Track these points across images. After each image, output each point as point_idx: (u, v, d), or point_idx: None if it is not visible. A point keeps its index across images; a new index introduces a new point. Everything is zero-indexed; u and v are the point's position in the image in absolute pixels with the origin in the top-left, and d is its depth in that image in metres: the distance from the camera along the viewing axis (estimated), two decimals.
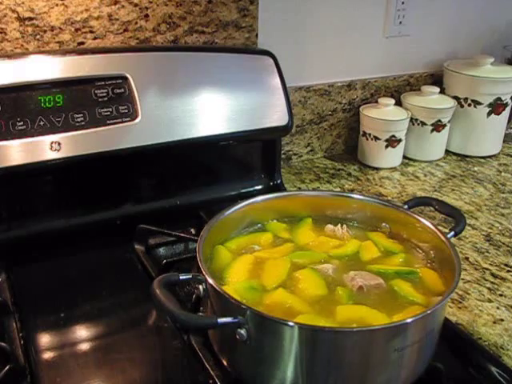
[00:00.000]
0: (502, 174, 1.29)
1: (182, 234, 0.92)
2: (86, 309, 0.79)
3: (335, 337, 0.59)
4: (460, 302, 0.84)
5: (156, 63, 0.94)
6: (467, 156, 1.37)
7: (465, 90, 1.32)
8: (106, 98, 0.89)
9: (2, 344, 0.67)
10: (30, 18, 0.92)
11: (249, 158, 1.10)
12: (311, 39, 1.23)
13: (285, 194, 0.90)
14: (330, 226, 0.83)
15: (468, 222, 1.04)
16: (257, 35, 1.12)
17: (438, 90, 1.32)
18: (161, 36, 1.03)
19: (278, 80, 1.04)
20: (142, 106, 0.91)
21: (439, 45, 1.42)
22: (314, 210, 0.85)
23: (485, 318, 0.80)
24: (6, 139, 0.83)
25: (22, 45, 0.93)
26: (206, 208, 0.97)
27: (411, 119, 1.29)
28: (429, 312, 0.60)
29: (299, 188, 1.18)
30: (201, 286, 0.65)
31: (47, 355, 0.70)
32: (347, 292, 0.69)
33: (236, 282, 0.70)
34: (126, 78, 0.91)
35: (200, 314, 0.72)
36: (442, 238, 0.73)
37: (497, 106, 1.31)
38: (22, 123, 0.84)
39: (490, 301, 0.84)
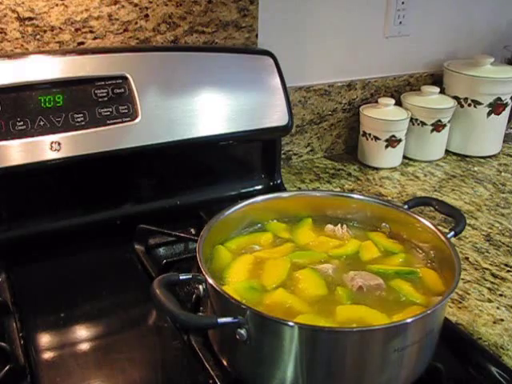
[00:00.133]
0: (502, 173, 1.29)
1: (182, 234, 0.92)
2: (86, 309, 0.79)
3: (335, 337, 0.59)
4: (460, 302, 0.84)
5: (156, 63, 0.94)
6: (467, 156, 1.37)
7: (465, 90, 1.32)
8: (106, 98, 0.89)
9: (2, 344, 0.67)
10: (30, 18, 0.92)
11: (249, 158, 1.10)
12: (311, 39, 1.23)
13: (285, 194, 0.90)
14: (329, 226, 0.83)
15: (468, 222, 1.04)
16: (257, 35, 1.12)
17: (437, 90, 1.32)
18: (161, 36, 1.03)
19: (277, 80, 1.04)
20: (142, 106, 0.91)
21: (439, 45, 1.42)
22: (314, 210, 0.85)
23: (485, 318, 0.80)
24: (6, 139, 0.83)
25: (22, 45, 0.93)
26: (206, 208, 0.97)
27: (411, 119, 1.29)
28: (429, 312, 0.60)
29: (299, 188, 1.18)
30: (201, 286, 0.65)
31: (47, 355, 0.70)
32: (347, 292, 0.69)
33: (236, 281, 0.70)
34: (126, 78, 0.91)
35: (200, 314, 0.72)
36: (442, 238, 0.73)
37: (497, 106, 1.31)
38: (21, 123, 0.84)
39: (489, 301, 0.84)
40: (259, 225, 0.83)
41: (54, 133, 0.85)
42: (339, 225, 0.82)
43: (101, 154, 0.89)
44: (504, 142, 1.41)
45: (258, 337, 0.60)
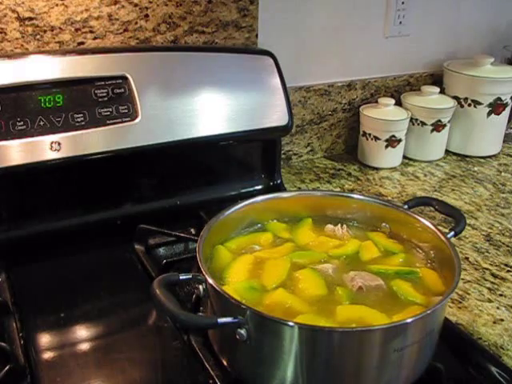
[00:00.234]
0: (502, 173, 1.29)
1: (182, 234, 0.92)
2: (85, 309, 0.79)
3: (335, 337, 0.59)
4: (460, 302, 0.84)
5: (156, 63, 0.94)
6: (467, 156, 1.37)
7: (465, 90, 1.32)
8: (106, 98, 0.89)
9: (2, 344, 0.67)
10: (30, 18, 0.92)
11: (249, 158, 1.10)
12: (311, 39, 1.23)
13: (285, 194, 0.90)
14: (329, 226, 0.83)
15: (468, 222, 1.04)
16: (257, 35, 1.12)
17: (438, 90, 1.32)
18: (161, 36, 1.03)
19: (277, 80, 1.04)
20: (142, 106, 0.91)
21: (439, 45, 1.42)
22: (314, 210, 0.85)
23: (485, 318, 0.80)
24: (6, 139, 0.83)
25: (22, 45, 0.93)
26: (206, 208, 0.97)
27: (411, 119, 1.29)
28: (429, 312, 0.60)
29: (299, 188, 1.18)
30: (201, 286, 0.65)
31: (47, 355, 0.70)
32: (347, 292, 0.69)
33: (236, 282, 0.70)
34: (126, 78, 0.91)
35: (200, 314, 0.72)
36: (442, 238, 0.73)
37: (497, 106, 1.31)
38: (22, 123, 0.84)
39: (489, 301, 0.84)
40: (259, 225, 0.83)
41: (53, 133, 0.85)
42: (339, 225, 0.82)
43: (101, 154, 0.89)
44: (504, 141, 1.41)
45: (258, 337, 0.60)
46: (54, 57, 0.87)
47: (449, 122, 1.31)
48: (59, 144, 0.85)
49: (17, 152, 0.83)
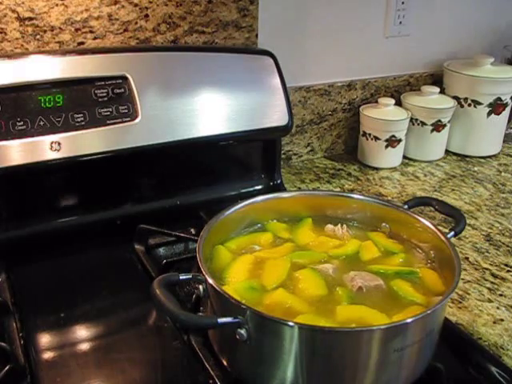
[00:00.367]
0: (502, 174, 1.29)
1: (182, 234, 0.92)
2: (86, 309, 0.79)
3: (335, 337, 0.59)
4: (460, 302, 0.84)
5: (156, 63, 0.94)
6: (467, 156, 1.37)
7: (465, 90, 1.32)
8: (105, 98, 0.89)
9: (2, 344, 0.67)
10: (30, 18, 0.92)
11: (249, 158, 1.10)
12: (311, 39, 1.23)
13: (285, 194, 0.90)
14: (329, 226, 0.83)
15: (468, 222, 1.04)
16: (257, 35, 1.12)
17: (437, 90, 1.32)
18: (161, 36, 1.03)
19: (278, 80, 1.04)
20: (142, 105, 0.91)
21: (439, 45, 1.42)
22: (314, 210, 0.85)
23: (485, 317, 0.80)
24: (6, 139, 0.83)
25: (22, 45, 0.93)
26: (206, 208, 0.97)
27: (411, 119, 1.29)
28: (429, 312, 0.60)
29: (299, 188, 1.18)
30: (201, 286, 0.65)
31: (47, 355, 0.70)
32: (347, 292, 0.69)
33: (236, 281, 0.70)
34: (126, 78, 0.91)
35: (200, 314, 0.72)
36: (442, 238, 0.73)
37: (497, 106, 1.31)
38: (21, 123, 0.84)
39: (490, 301, 0.84)
40: (259, 225, 0.83)
41: (54, 133, 0.85)
42: (339, 225, 0.82)
43: (101, 154, 0.89)
44: (504, 142, 1.41)
45: (258, 337, 0.60)
46: (54, 57, 0.87)
47: (449, 122, 1.31)
48: (59, 144, 0.85)
49: (17, 152, 0.83)
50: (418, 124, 1.31)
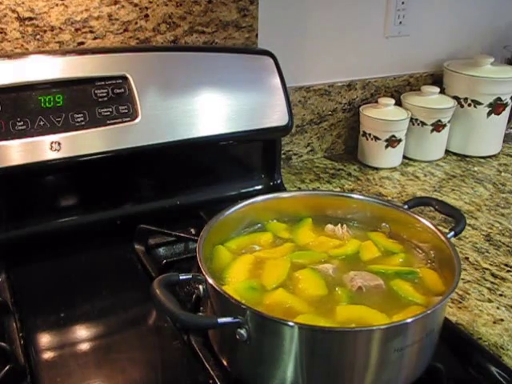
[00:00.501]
0: (502, 174, 1.29)
1: (182, 234, 0.92)
2: (85, 309, 0.79)
3: (335, 337, 0.59)
4: (460, 302, 0.84)
5: (156, 63, 0.94)
6: (467, 156, 1.37)
7: (465, 90, 1.32)
8: (105, 98, 0.89)
9: (2, 344, 0.67)
10: (30, 18, 0.92)
11: (249, 158, 1.10)
12: (311, 39, 1.23)
13: (285, 194, 0.90)
14: (329, 226, 0.83)
15: (468, 222, 1.04)
16: (257, 35, 1.12)
17: (438, 89, 1.32)
18: (161, 36, 1.03)
19: (278, 80, 1.04)
20: (142, 105, 0.91)
21: (439, 45, 1.42)
22: (314, 210, 0.85)
23: (485, 317, 0.80)
24: (6, 139, 0.82)
25: (22, 45, 0.93)
26: (206, 208, 0.97)
27: (411, 119, 1.29)
28: (429, 312, 0.60)
29: (299, 188, 1.18)
30: (201, 286, 0.65)
31: (47, 355, 0.70)
32: (346, 292, 0.69)
33: (236, 281, 0.70)
34: (126, 78, 0.91)
35: (200, 314, 0.72)
36: (442, 238, 0.73)
37: (497, 106, 1.31)
38: (21, 123, 0.84)
39: (490, 301, 0.84)
40: (259, 225, 0.83)
41: (54, 133, 0.85)
42: (339, 225, 0.82)
43: (101, 154, 0.89)
44: (504, 142, 1.41)
45: (258, 337, 0.60)
46: (54, 57, 0.87)
47: (449, 122, 1.31)
48: (59, 144, 0.85)
49: (17, 152, 0.83)
50: (418, 124, 1.31)
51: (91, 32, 0.97)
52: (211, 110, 0.97)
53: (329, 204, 0.85)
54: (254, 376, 0.64)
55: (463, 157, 1.37)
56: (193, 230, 0.96)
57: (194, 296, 0.75)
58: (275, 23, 1.17)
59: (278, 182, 1.13)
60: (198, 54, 0.98)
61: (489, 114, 1.32)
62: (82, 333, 0.75)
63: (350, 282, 0.71)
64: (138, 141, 0.91)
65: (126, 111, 0.90)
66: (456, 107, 1.31)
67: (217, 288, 0.62)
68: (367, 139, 1.29)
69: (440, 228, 0.75)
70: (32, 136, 0.84)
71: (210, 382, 0.66)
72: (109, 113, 0.89)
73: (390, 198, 1.15)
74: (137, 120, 0.91)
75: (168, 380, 0.69)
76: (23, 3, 0.90)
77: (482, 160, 1.36)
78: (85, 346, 0.73)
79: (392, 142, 1.26)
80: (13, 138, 0.83)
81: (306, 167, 1.29)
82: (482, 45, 1.49)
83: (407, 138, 1.30)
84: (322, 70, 1.28)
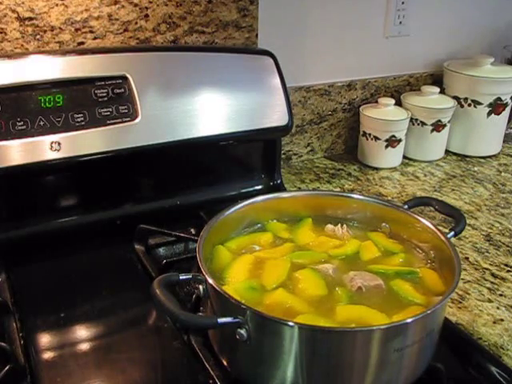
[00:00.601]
0: (502, 174, 1.29)
1: (182, 234, 0.92)
2: (85, 309, 0.79)
3: (335, 337, 0.59)
4: (460, 302, 0.84)
5: (156, 63, 0.94)
6: (467, 156, 1.37)
7: (465, 90, 1.32)
8: (105, 98, 0.89)
9: (2, 344, 0.67)
10: (30, 18, 0.92)
11: (249, 158, 1.10)
12: (311, 39, 1.23)
13: (285, 194, 0.90)
14: (329, 226, 0.83)
15: (468, 222, 1.04)
16: (257, 35, 1.12)
17: (438, 89, 1.32)
18: (161, 36, 1.03)
19: (278, 80, 1.04)
20: (142, 106, 0.91)
21: (439, 45, 1.42)
22: (314, 210, 0.85)
23: (485, 318, 0.80)
24: (6, 139, 0.82)
25: (22, 45, 0.93)
26: (206, 208, 0.97)
27: (411, 119, 1.29)
28: (429, 312, 0.60)
29: (299, 188, 1.18)
30: (201, 286, 0.65)
31: (47, 355, 0.70)
32: (346, 292, 0.69)
33: (236, 281, 0.70)
34: (126, 78, 0.91)
35: (200, 314, 0.72)
36: (442, 238, 0.73)
37: (497, 106, 1.31)
38: (22, 123, 0.84)
39: (490, 301, 0.84)
40: (259, 225, 0.83)
41: (54, 133, 0.85)
42: (339, 225, 0.82)
43: (101, 154, 0.89)
44: (504, 142, 1.41)
45: (258, 337, 0.60)
46: (54, 57, 0.87)
47: (449, 122, 1.31)
48: (59, 144, 0.85)
49: (17, 152, 0.83)
50: (418, 124, 1.31)
51: (91, 32, 0.97)
52: (211, 110, 0.97)
53: (329, 204, 0.85)
54: (254, 376, 0.64)
55: (463, 157, 1.37)
56: (193, 230, 0.96)
57: (194, 296, 0.75)
58: (275, 23, 1.17)
59: (278, 182, 1.13)
60: (198, 54, 0.98)
61: (489, 113, 1.32)
62: (82, 333, 0.75)
63: (349, 282, 0.71)
64: (138, 141, 0.91)
65: (126, 111, 0.90)
66: (456, 107, 1.31)
67: (217, 288, 0.62)
68: (367, 139, 1.29)
69: (440, 228, 0.75)
70: (32, 136, 0.84)
71: (210, 382, 0.66)
72: (109, 113, 0.89)
73: (390, 198, 1.15)
74: (137, 120, 0.91)
75: (168, 380, 0.69)
76: (23, 3, 0.90)
77: (482, 160, 1.36)
78: (85, 346, 0.73)
79: (392, 142, 1.26)
80: (13, 138, 0.83)
81: (306, 167, 1.29)
82: (481, 45, 1.49)
83: (407, 138, 1.30)
84: (322, 70, 1.28)
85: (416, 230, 0.78)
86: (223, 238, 0.78)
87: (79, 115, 0.87)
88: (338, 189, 1.19)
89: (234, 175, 1.08)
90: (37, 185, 0.91)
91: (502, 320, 0.80)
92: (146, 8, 1.00)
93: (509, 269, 0.92)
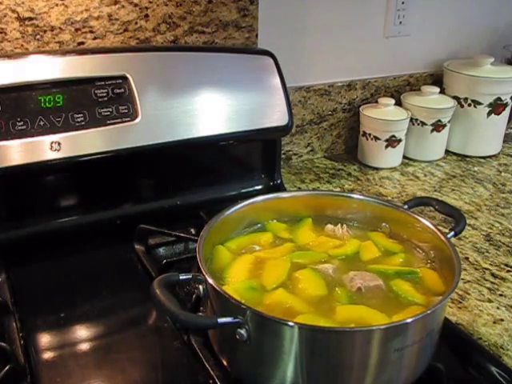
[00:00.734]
0: (502, 174, 1.29)
1: (182, 234, 0.92)
2: (85, 309, 0.79)
3: (335, 337, 0.59)
4: (460, 302, 0.84)
5: (156, 63, 0.94)
6: (467, 156, 1.37)
7: (465, 90, 1.32)
8: (105, 98, 0.89)
9: (2, 344, 0.67)
10: (30, 18, 0.92)
11: (249, 158, 1.10)
12: (311, 39, 1.23)
13: (285, 194, 0.90)
14: (329, 226, 0.83)
15: (468, 222, 1.04)
16: (257, 35, 1.12)
17: (438, 90, 1.32)
18: (161, 36, 1.03)
19: (278, 80, 1.04)
20: (142, 106, 0.91)
21: (439, 45, 1.42)
22: (314, 210, 0.85)
23: (485, 318, 0.80)
24: (6, 139, 0.82)
25: (22, 45, 0.93)
26: (206, 208, 0.97)
27: (411, 119, 1.29)
28: (429, 312, 0.60)
29: (299, 188, 1.18)
30: (201, 286, 0.65)
31: (47, 355, 0.70)
32: (346, 292, 0.69)
33: (236, 281, 0.70)
34: (126, 78, 0.91)
35: (200, 314, 0.72)
36: (442, 238, 0.73)
37: (497, 106, 1.31)
38: (22, 123, 0.84)
39: (490, 301, 0.84)
40: (259, 225, 0.83)
41: (54, 133, 0.85)
42: (339, 225, 0.82)
43: (101, 154, 0.89)
44: (504, 142, 1.41)
45: (258, 337, 0.60)
46: (54, 57, 0.87)
47: (449, 122, 1.31)
48: (59, 144, 0.85)
49: (17, 152, 0.83)
50: (418, 124, 1.31)
51: (91, 32, 0.97)
52: (211, 110, 0.97)
53: (329, 204, 0.85)
54: (253, 376, 0.64)
55: (463, 157, 1.37)
56: (193, 230, 0.96)
57: (194, 296, 0.75)
58: (275, 23, 1.17)
59: (278, 181, 1.13)
60: (198, 54, 0.98)
61: (489, 113, 1.32)
62: (82, 333, 0.75)
63: (349, 282, 0.71)
64: (138, 141, 0.91)
65: (126, 111, 0.90)
66: (456, 107, 1.31)
67: (217, 288, 0.62)
68: (367, 139, 1.29)
69: (440, 228, 0.75)
70: (32, 136, 0.84)
71: (210, 382, 0.66)
72: (109, 113, 0.89)
73: (390, 198, 1.15)
74: (137, 120, 0.91)
75: (168, 380, 0.69)
76: (23, 3, 0.90)
77: (482, 160, 1.36)
78: (85, 346, 0.73)
79: (392, 141, 1.26)
80: (13, 138, 0.83)
81: (306, 167, 1.29)
82: (481, 45, 1.49)
83: (407, 138, 1.30)
84: (322, 70, 1.28)
85: (416, 229, 0.78)
86: (223, 238, 0.78)
87: (79, 115, 0.87)
88: (338, 189, 1.19)
89: (234, 175, 1.08)
90: (37, 185, 0.91)
91: (502, 320, 0.80)
92: (146, 8, 1.00)
93: (509, 269, 0.92)
